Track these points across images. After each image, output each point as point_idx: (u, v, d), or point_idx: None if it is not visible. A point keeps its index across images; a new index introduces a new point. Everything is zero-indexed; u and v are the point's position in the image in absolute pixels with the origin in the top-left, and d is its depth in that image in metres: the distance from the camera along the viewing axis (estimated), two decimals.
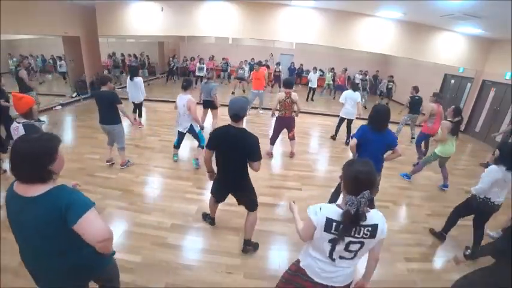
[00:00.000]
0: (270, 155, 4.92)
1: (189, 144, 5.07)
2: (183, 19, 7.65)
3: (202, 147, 4.28)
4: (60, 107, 7.22)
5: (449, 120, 3.87)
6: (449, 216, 3.06)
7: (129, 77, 5.61)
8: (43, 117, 6.19)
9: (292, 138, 4.97)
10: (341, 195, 1.48)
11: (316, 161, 5.11)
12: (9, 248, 2.46)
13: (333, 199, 3.21)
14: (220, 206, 2.95)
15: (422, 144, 5.27)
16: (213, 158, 2.41)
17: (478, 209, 2.77)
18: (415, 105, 6.16)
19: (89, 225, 1.17)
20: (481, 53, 7.73)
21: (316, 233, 1.36)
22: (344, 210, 1.28)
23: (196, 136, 4.27)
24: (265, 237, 2.90)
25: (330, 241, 1.34)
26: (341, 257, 1.39)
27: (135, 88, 5.61)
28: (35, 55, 9.57)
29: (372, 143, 2.72)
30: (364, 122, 2.91)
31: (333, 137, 6.30)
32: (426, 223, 3.38)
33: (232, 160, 2.29)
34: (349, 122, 5.91)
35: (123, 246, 2.64)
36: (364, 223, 1.28)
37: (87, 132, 5.48)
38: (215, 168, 2.47)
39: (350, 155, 5.47)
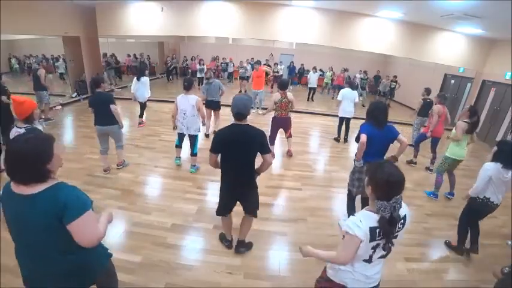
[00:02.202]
0: (272, 155, 4.90)
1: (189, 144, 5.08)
2: (183, 19, 7.64)
3: (195, 155, 4.17)
4: (60, 107, 7.21)
5: (465, 121, 3.68)
6: (459, 229, 2.93)
7: (136, 77, 5.88)
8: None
9: (289, 136, 5.01)
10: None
11: (316, 161, 5.11)
12: (9, 248, 2.47)
13: (350, 209, 3.16)
14: None
15: (426, 147, 5.14)
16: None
17: (479, 209, 2.72)
18: (425, 107, 5.82)
19: (81, 229, 1.20)
20: (481, 53, 7.72)
21: (362, 246, 1.30)
22: (379, 217, 1.26)
23: (194, 142, 4.13)
24: (265, 237, 2.90)
25: (372, 248, 1.33)
26: (380, 257, 1.40)
27: (142, 87, 5.88)
28: (35, 55, 9.60)
29: (376, 139, 2.70)
30: (363, 121, 2.90)
31: (337, 139, 6.20)
32: (426, 223, 3.38)
33: (242, 158, 2.24)
34: (348, 120, 5.97)
35: (123, 246, 2.64)
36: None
37: (87, 132, 5.48)
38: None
39: (350, 155, 5.51)
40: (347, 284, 1.43)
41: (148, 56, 11.96)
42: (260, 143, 2.19)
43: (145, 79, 5.92)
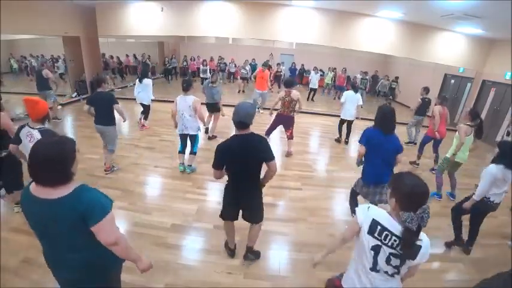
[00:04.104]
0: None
1: (189, 143, 5.07)
2: (183, 19, 7.65)
3: (195, 153, 4.14)
4: (60, 107, 7.20)
5: (467, 124, 3.65)
6: (453, 221, 2.98)
7: (138, 79, 5.79)
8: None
9: (290, 138, 4.98)
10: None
11: (316, 161, 5.11)
12: (9, 248, 2.47)
13: (352, 206, 3.12)
14: (221, 205, 2.95)
15: (429, 148, 5.08)
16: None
17: (477, 208, 2.71)
18: (423, 107, 5.85)
19: (104, 229, 1.27)
20: (481, 53, 7.73)
21: (360, 234, 1.32)
22: (404, 227, 1.22)
23: (194, 141, 4.11)
24: (265, 237, 2.90)
25: (372, 248, 1.29)
26: (385, 272, 1.33)
27: (143, 90, 5.75)
28: (35, 55, 9.60)
29: (381, 147, 2.60)
30: (365, 123, 2.89)
31: (338, 140, 6.16)
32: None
33: (245, 170, 2.14)
34: (350, 122, 5.90)
35: None
36: None
37: (87, 132, 5.48)
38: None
39: (350, 155, 5.52)
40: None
41: (149, 56, 11.95)
42: (263, 151, 2.08)
43: (148, 81, 5.78)
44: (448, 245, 3.01)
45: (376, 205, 2.51)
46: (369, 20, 7.37)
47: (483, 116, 7.80)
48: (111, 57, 10.76)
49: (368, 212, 1.30)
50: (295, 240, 2.89)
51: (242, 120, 2.02)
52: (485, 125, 7.50)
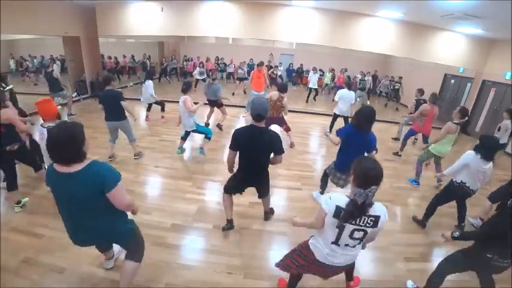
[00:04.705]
0: None
1: (190, 144, 5.07)
2: (183, 19, 7.64)
3: (209, 139, 4.51)
4: (59, 107, 7.20)
5: (455, 123, 3.80)
6: (429, 204, 3.25)
7: (144, 80, 6.34)
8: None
9: (287, 130, 5.22)
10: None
11: (316, 161, 5.12)
12: (9, 248, 2.47)
13: (323, 184, 3.55)
14: (221, 206, 2.95)
15: (418, 143, 5.34)
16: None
17: (455, 192, 3.02)
18: (418, 107, 6.01)
19: (118, 194, 1.54)
20: (481, 53, 7.73)
21: (326, 218, 1.55)
22: (352, 199, 1.46)
23: (201, 132, 4.47)
24: (265, 237, 2.90)
25: (337, 226, 1.53)
26: (346, 245, 1.59)
27: (145, 90, 6.24)
28: (34, 55, 9.58)
29: (354, 140, 2.86)
30: None
31: (326, 134, 6.52)
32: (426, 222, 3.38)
33: (257, 157, 2.47)
34: (346, 118, 6.05)
35: None
36: (368, 213, 1.47)
37: (87, 132, 5.38)
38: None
39: None
40: (315, 253, 1.72)
41: (149, 56, 11.97)
42: (276, 145, 2.41)
43: (148, 83, 6.22)
44: (416, 220, 3.37)
45: (342, 187, 3.12)
46: (369, 20, 7.37)
47: (483, 115, 7.84)
48: (109, 57, 10.74)
49: (331, 200, 1.53)
50: (295, 240, 2.87)
51: (260, 113, 2.33)
52: (485, 125, 7.61)
